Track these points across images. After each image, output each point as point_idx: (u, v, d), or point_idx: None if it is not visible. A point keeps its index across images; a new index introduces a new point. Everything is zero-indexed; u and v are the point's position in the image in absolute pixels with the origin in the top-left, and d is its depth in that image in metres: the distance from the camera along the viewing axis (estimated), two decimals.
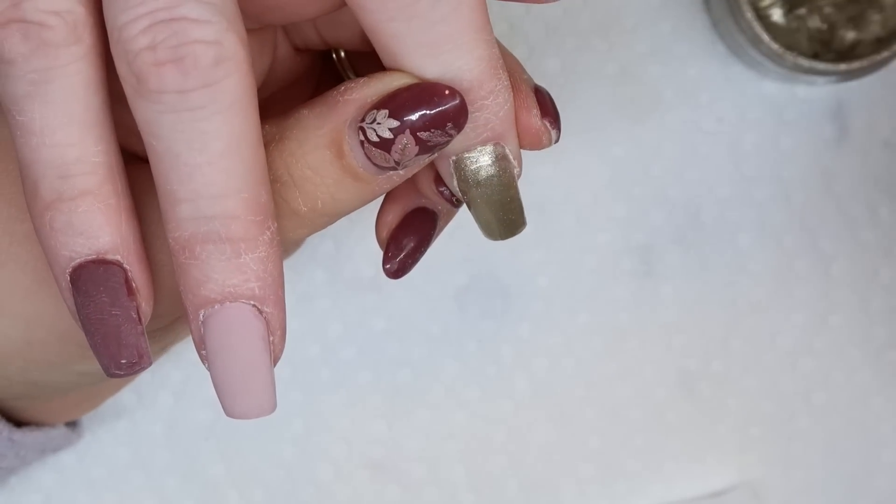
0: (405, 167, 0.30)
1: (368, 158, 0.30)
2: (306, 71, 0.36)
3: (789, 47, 0.44)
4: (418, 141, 0.29)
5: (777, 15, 0.45)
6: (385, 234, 0.35)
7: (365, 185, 0.31)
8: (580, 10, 0.48)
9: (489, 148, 0.31)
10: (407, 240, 0.35)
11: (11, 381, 0.35)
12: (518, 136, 0.32)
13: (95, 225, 0.28)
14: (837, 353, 0.49)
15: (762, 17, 0.45)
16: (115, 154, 0.29)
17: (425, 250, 0.35)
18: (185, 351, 0.48)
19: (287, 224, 0.31)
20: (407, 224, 0.35)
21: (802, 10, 0.45)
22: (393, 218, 0.35)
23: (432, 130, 0.29)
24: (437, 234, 0.36)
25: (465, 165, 0.31)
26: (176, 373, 0.48)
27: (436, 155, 0.30)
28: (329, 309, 0.48)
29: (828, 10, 0.45)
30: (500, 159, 0.31)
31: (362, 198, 0.31)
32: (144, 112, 0.27)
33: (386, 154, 0.30)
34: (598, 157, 0.48)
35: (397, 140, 0.29)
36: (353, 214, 0.32)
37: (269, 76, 0.35)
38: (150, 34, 0.27)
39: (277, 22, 0.31)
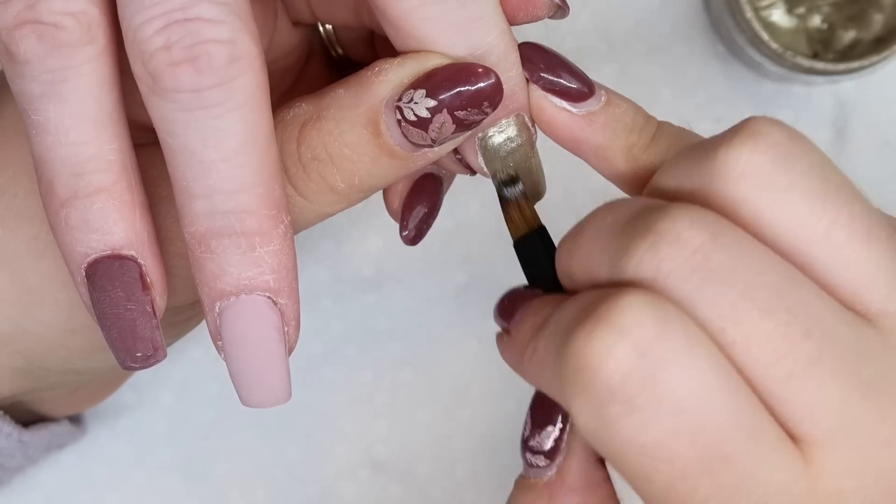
0: (440, 144, 0.31)
1: (405, 137, 0.31)
2: (299, 44, 0.37)
3: (789, 47, 0.44)
4: (455, 119, 0.30)
5: (776, 15, 0.45)
6: (397, 203, 0.36)
7: (400, 162, 0.31)
8: (580, 10, 0.48)
9: (512, 119, 0.32)
10: (420, 206, 0.36)
11: (50, 372, 0.36)
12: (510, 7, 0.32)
13: (110, 221, 0.29)
14: None
15: (761, 17, 0.45)
16: (129, 151, 0.29)
17: (437, 214, 0.36)
18: (185, 351, 0.48)
19: (325, 200, 0.31)
20: (417, 191, 0.36)
21: (802, 10, 0.45)
22: (403, 187, 0.36)
23: (469, 109, 0.30)
24: (443, 198, 0.36)
25: (491, 141, 0.32)
26: (176, 372, 0.48)
27: (470, 133, 0.31)
28: (330, 308, 0.48)
29: (827, 9, 0.46)
30: (522, 129, 0.32)
31: (397, 174, 0.32)
32: (160, 110, 0.28)
33: (423, 133, 0.30)
34: None
35: (434, 119, 0.30)
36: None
37: (268, 48, 0.35)
38: (164, 34, 0.27)
39: None
